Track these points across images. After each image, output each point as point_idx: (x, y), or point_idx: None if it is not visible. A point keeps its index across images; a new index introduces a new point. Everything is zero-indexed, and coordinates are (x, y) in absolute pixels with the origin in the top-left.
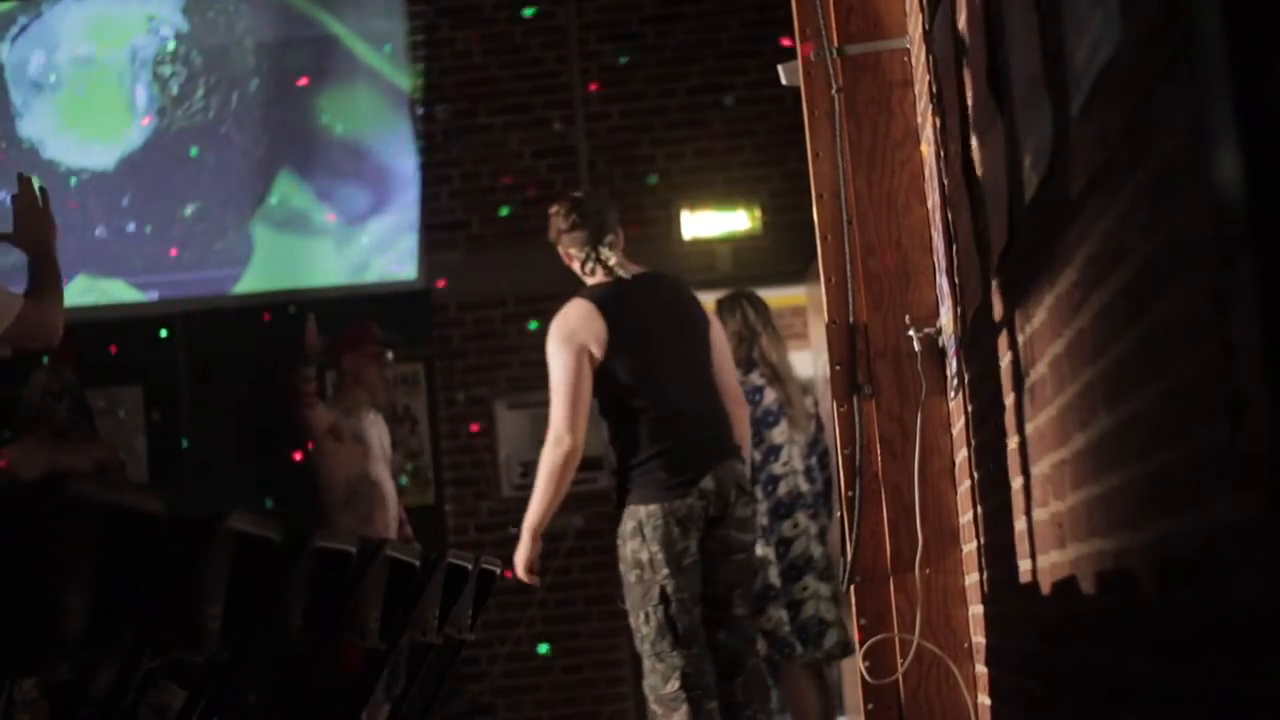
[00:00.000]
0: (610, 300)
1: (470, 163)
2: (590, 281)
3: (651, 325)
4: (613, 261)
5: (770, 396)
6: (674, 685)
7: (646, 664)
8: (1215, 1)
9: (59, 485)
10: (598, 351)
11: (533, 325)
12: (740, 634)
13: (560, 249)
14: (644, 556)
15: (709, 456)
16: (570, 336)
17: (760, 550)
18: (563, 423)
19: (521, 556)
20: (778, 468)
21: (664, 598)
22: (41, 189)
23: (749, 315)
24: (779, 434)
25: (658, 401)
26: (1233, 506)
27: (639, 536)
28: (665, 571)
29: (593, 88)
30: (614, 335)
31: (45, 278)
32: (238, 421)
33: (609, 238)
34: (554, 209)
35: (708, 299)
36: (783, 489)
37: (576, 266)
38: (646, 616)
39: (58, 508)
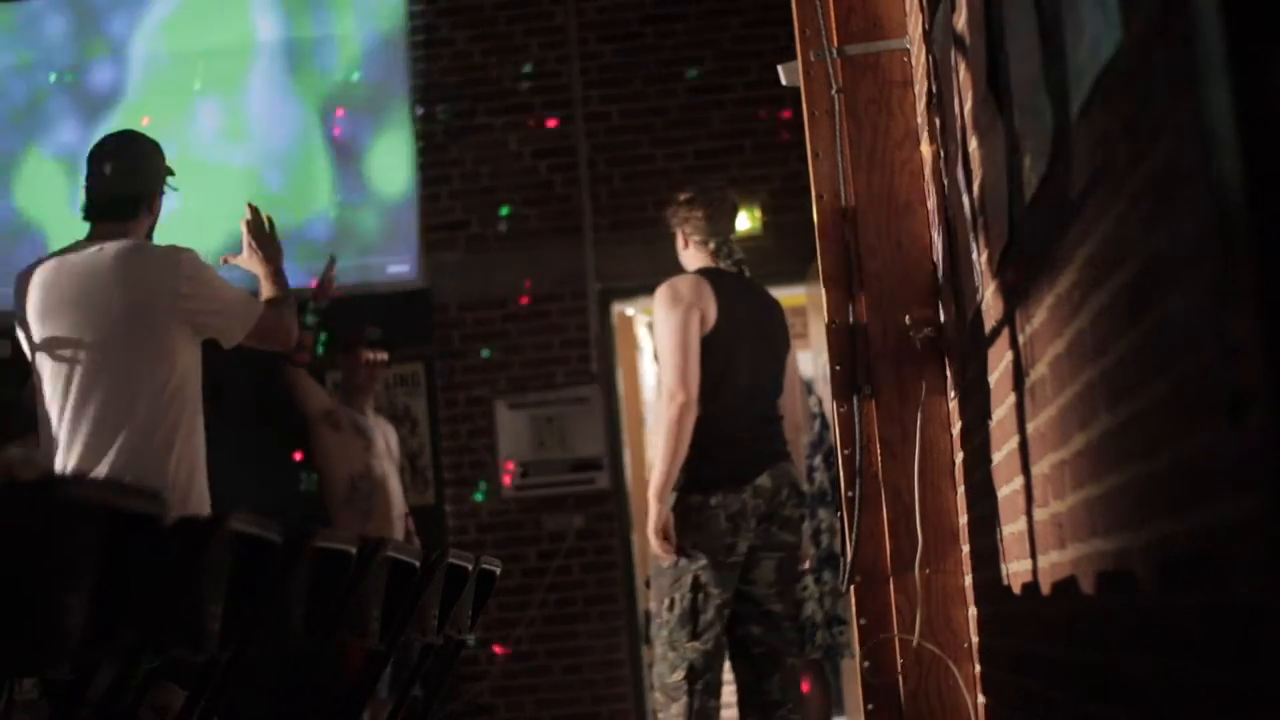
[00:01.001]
0: (719, 281)
1: (470, 163)
2: (699, 265)
3: (747, 323)
4: (737, 255)
5: None
6: (679, 675)
7: (658, 651)
8: (1215, 1)
9: (59, 485)
10: (710, 317)
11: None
12: (777, 631)
13: (683, 232)
14: (686, 543)
15: (766, 455)
16: (679, 298)
17: None
18: (675, 379)
19: (655, 523)
20: None
21: (696, 586)
22: (269, 217)
23: None
24: None
25: (732, 396)
26: (1233, 506)
27: (685, 522)
28: (703, 562)
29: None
30: (720, 311)
31: (278, 292)
32: (238, 421)
33: (732, 235)
34: (687, 195)
35: None
36: None
37: (695, 252)
38: (671, 603)
39: (58, 508)
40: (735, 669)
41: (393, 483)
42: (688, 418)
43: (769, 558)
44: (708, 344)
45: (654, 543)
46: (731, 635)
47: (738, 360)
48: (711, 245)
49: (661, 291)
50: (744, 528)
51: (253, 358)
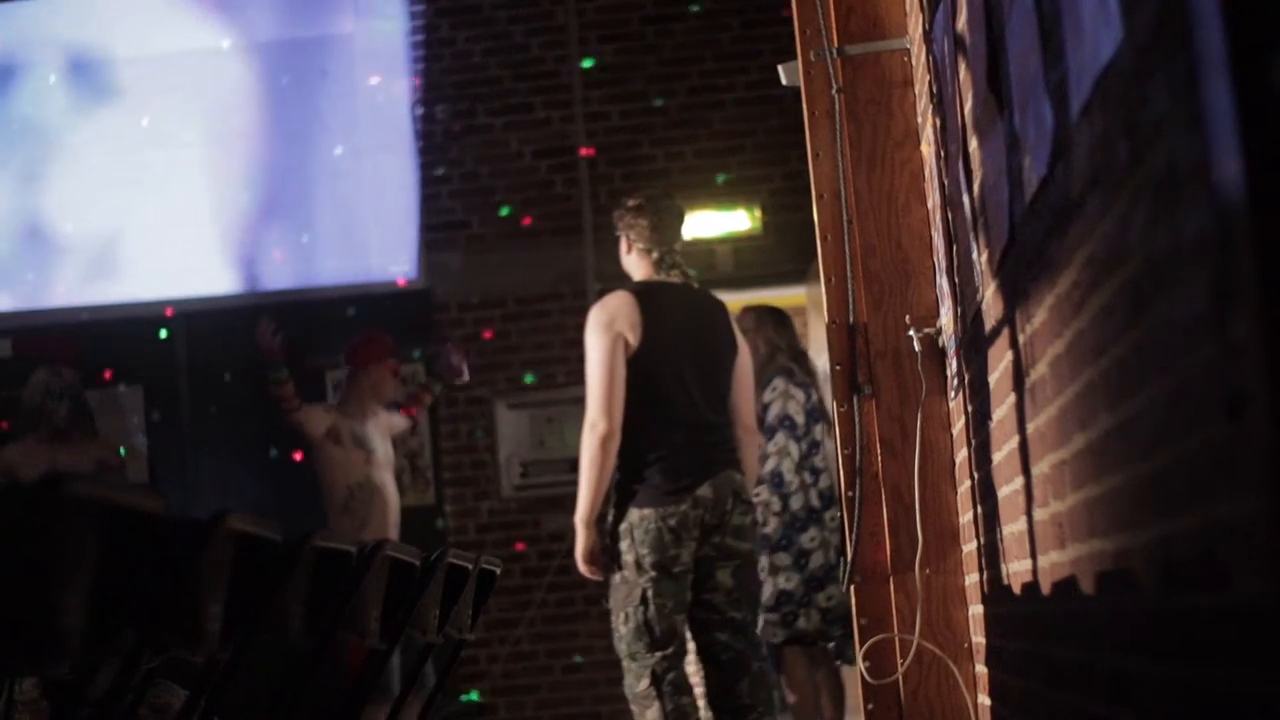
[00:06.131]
0: (650, 296)
1: (470, 163)
2: (638, 277)
3: (681, 332)
4: (680, 265)
5: (815, 396)
6: (645, 684)
7: (624, 664)
8: (1215, 1)
9: (59, 485)
10: (633, 340)
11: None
12: (743, 636)
13: (627, 238)
14: (630, 558)
15: (707, 465)
16: (609, 323)
17: (815, 534)
18: (598, 408)
19: (581, 549)
20: (818, 461)
21: (644, 600)
22: None
23: (794, 330)
24: (819, 430)
25: (667, 406)
26: (1233, 506)
27: (629, 538)
28: (650, 575)
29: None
30: (647, 329)
31: None
32: (238, 421)
33: (678, 244)
34: (635, 203)
35: (730, 299)
36: (824, 481)
37: (638, 259)
38: (626, 617)
39: (58, 508)
40: (705, 676)
41: (389, 490)
42: (609, 447)
43: (725, 566)
44: (635, 364)
45: (582, 568)
46: (698, 643)
47: (670, 375)
48: (655, 255)
49: (593, 312)
50: (686, 538)
51: (251, 359)
